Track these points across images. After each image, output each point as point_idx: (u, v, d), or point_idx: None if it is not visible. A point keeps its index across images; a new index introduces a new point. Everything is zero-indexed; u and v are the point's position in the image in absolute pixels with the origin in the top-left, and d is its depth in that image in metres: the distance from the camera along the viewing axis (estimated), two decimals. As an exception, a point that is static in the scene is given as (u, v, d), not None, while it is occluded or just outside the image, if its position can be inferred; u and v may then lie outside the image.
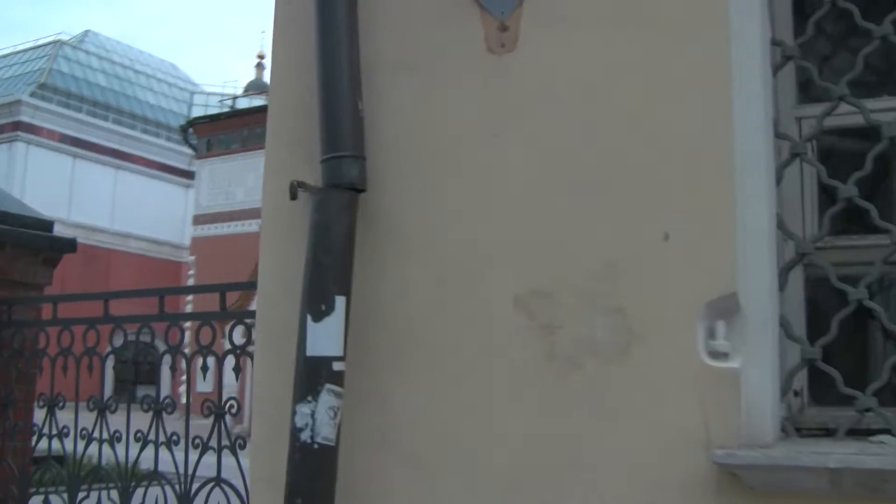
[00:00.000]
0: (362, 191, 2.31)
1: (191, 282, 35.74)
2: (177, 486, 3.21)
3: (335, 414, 2.18)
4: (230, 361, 3.23)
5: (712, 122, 2.09)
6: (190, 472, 3.18)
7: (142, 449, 3.31)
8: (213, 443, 3.15)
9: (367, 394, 2.29)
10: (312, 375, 2.18)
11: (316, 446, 2.16)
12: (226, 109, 44.62)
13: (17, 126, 45.24)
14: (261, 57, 63.68)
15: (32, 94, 47.83)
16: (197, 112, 44.77)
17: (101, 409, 3.57)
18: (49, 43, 51.83)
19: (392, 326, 2.31)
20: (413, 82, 2.39)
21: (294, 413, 2.19)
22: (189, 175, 50.12)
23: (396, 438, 2.26)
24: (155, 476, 3.29)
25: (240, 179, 36.00)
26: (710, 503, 1.96)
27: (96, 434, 3.50)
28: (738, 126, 2.08)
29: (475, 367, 2.22)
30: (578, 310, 2.13)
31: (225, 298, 3.35)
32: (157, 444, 3.30)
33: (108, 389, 4.13)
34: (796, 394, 2.27)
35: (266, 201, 2.52)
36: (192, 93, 59.82)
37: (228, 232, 36.01)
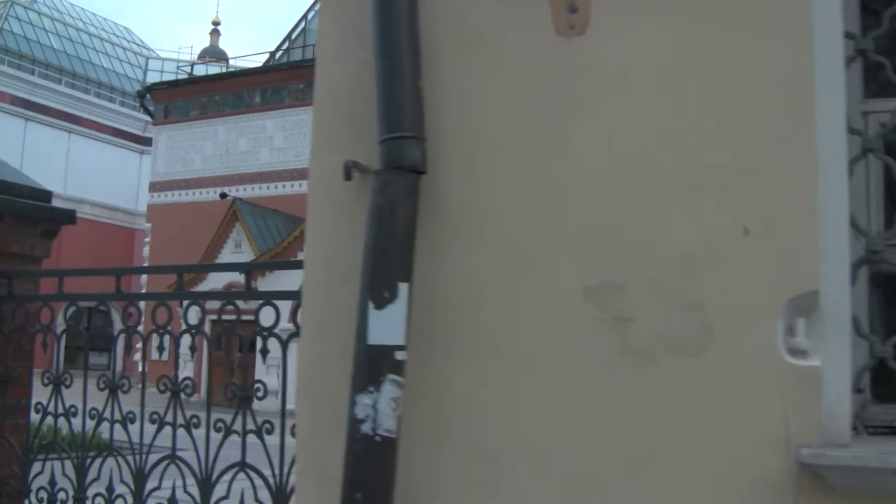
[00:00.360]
0: (423, 173, 2.23)
1: (146, 249, 35.29)
2: (197, 471, 3.12)
3: (397, 405, 2.11)
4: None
5: (794, 114, 2.03)
6: (212, 455, 3.09)
7: (159, 429, 3.21)
8: (237, 426, 3.06)
9: (426, 385, 2.21)
10: (374, 365, 2.10)
11: (378, 439, 2.08)
12: (183, 76, 43.88)
13: (-33, 87, 44.05)
14: (216, 24, 62.85)
15: (-18, 54, 46.64)
16: (152, 78, 43.98)
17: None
18: (0, 2, 50.42)
19: (453, 316, 2.24)
20: (476, 63, 2.30)
21: (354, 404, 2.11)
22: (143, 141, 49.35)
23: (458, 432, 2.20)
24: (173, 458, 3.19)
25: (198, 147, 35.47)
26: (790, 503, 1.93)
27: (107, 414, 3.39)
28: (819, 119, 2.03)
29: (542, 360, 2.16)
30: (653, 303, 2.07)
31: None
32: (174, 427, 3.20)
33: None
34: (859, 391, 2.25)
35: (313, 180, 2.43)
36: (147, 58, 58.78)
37: (185, 200, 35.50)
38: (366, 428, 2.09)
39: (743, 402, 1.99)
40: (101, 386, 3.41)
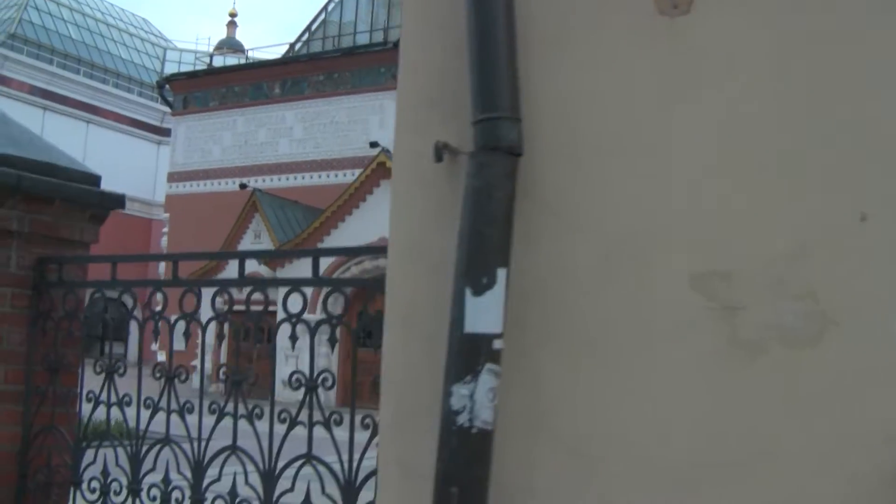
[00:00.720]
0: (520, 155, 2.14)
1: (165, 240, 35.35)
2: (261, 465, 3.05)
3: (494, 396, 2.03)
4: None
5: (914, 96, 1.94)
6: (276, 448, 3.01)
7: (218, 420, 3.13)
8: (303, 417, 2.99)
9: (520, 375, 2.13)
10: (471, 354, 2.02)
11: (474, 430, 2.00)
12: (201, 67, 43.88)
13: (-13, 76, 44.24)
14: (232, 15, 62.86)
15: (2, 44, 46.81)
16: (170, 69, 44.06)
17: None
18: (19, -9, 50.56)
19: (548, 304, 2.15)
20: (573, 41, 2.21)
21: (449, 394, 2.03)
22: (161, 132, 49.45)
23: (553, 425, 2.11)
24: (234, 450, 3.12)
25: (217, 138, 35.50)
26: (912, 502, 1.84)
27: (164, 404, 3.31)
28: (937, 102, 1.94)
29: (644, 350, 2.07)
30: (764, 292, 1.98)
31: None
32: (235, 417, 3.13)
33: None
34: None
35: (398, 164, 2.35)
36: (165, 49, 58.91)
37: (204, 190, 35.55)
38: (462, 419, 2.01)
39: (859, 393, 1.90)
40: (157, 375, 3.34)
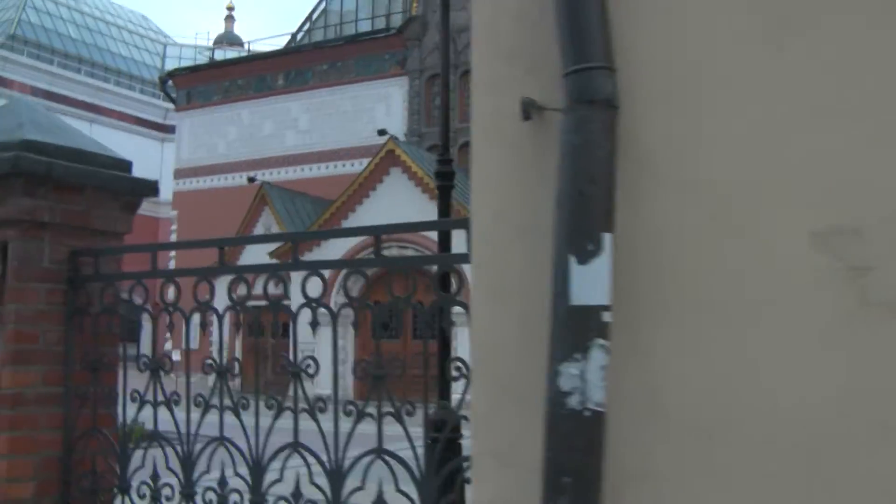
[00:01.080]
0: (616, 108, 1.95)
1: (173, 237, 35.15)
2: (327, 463, 2.86)
3: (605, 374, 1.83)
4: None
5: None
6: (342, 445, 2.82)
7: (277, 416, 2.93)
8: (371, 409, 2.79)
9: (627, 350, 1.93)
10: (580, 328, 1.83)
11: (587, 414, 1.81)
12: (202, 61, 43.64)
13: (-12, 79, 44.16)
14: (230, 9, 62.53)
15: (2, 46, 46.64)
16: (170, 64, 43.81)
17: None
18: (17, -8, 50.42)
19: (652, 270, 1.95)
20: (670, -20, 2.01)
21: (556, 374, 1.84)
22: (163, 128, 49.28)
23: (667, 404, 1.92)
24: (296, 447, 2.92)
25: (222, 132, 35.28)
26: None
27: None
28: None
29: (762, 319, 1.87)
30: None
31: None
32: (295, 411, 2.94)
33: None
34: None
35: (477, 126, 2.15)
36: (165, 45, 58.71)
37: (210, 185, 35.37)
38: (573, 402, 1.81)
39: None
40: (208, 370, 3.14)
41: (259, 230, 27.95)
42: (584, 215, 1.86)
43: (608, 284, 1.86)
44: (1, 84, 43.98)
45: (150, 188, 3.89)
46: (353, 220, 25.89)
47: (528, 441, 1.99)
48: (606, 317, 1.85)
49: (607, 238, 1.86)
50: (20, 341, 3.50)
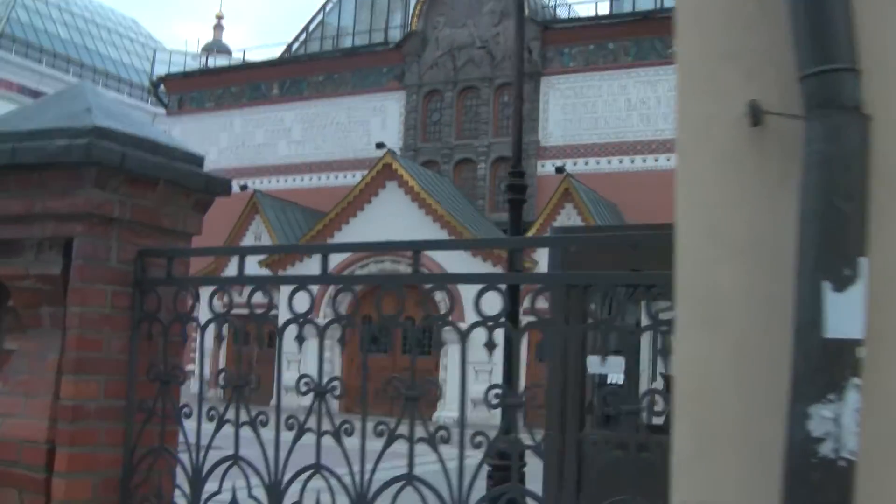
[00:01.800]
0: (869, 116, 1.71)
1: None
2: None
3: (859, 418, 1.60)
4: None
5: None
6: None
7: (387, 445, 2.64)
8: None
9: (876, 391, 1.69)
10: (835, 365, 1.59)
11: (842, 463, 1.58)
12: (192, 67, 43.23)
13: (-25, 75, 43.72)
14: (219, 17, 62.17)
15: (-9, 43, 46.22)
16: (160, 70, 43.31)
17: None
18: (8, -10, 50.06)
19: (897, 301, 1.72)
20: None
21: (804, 417, 1.60)
22: (151, 134, 48.70)
23: (916, 452, 1.68)
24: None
25: (213, 139, 34.87)
26: None
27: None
28: None
29: None
30: None
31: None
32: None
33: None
34: None
35: (684, 134, 1.91)
36: (155, 49, 58.33)
37: (199, 193, 34.89)
38: (826, 449, 1.58)
39: None
40: (304, 389, 2.85)
41: (249, 239, 27.55)
42: (839, 236, 1.63)
43: (864, 316, 1.62)
44: (-12, 81, 43.53)
45: (224, 187, 3.60)
46: (347, 233, 25.57)
47: (743, 491, 1.75)
48: (861, 353, 1.62)
49: (864, 263, 1.62)
50: (83, 348, 3.18)
